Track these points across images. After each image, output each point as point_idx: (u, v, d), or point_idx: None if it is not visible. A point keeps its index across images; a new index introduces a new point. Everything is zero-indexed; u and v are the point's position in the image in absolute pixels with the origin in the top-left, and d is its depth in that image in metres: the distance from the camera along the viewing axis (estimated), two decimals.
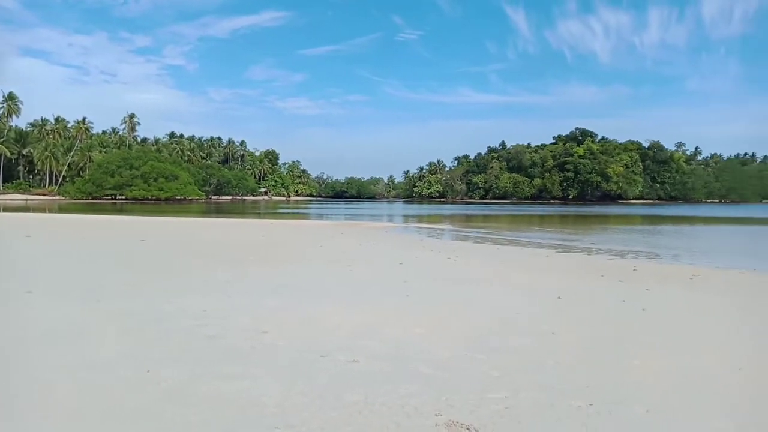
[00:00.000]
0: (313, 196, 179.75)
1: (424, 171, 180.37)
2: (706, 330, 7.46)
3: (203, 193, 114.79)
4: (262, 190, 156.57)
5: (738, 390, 4.96)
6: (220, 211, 67.21)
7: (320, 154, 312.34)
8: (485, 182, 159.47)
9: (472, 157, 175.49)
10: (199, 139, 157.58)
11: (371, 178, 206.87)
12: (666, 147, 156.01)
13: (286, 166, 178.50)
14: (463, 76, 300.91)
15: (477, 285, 11.03)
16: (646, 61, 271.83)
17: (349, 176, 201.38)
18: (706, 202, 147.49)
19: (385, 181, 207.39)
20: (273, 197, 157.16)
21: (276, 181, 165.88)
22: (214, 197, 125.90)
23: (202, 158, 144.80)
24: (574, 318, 7.95)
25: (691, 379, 5.23)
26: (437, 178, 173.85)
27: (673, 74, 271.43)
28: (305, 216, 57.89)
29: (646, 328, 7.43)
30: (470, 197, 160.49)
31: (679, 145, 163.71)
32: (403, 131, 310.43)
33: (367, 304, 8.59)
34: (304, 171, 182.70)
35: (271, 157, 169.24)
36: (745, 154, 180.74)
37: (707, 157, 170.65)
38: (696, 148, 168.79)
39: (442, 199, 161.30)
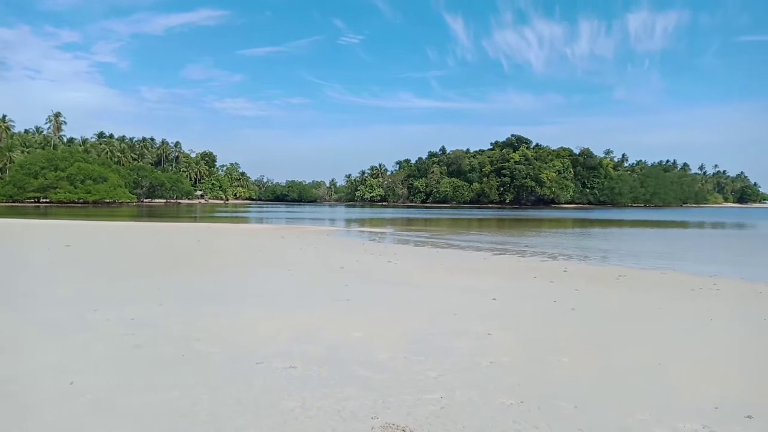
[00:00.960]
0: (253, 200, 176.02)
1: (366, 175, 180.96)
2: (629, 328, 7.88)
3: (134, 196, 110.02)
4: (199, 193, 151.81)
5: (657, 383, 5.27)
6: (152, 214, 64.54)
7: (260, 156, 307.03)
8: (426, 186, 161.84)
9: (413, 161, 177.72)
10: (131, 139, 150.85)
11: (313, 181, 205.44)
12: (595, 154, 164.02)
13: (225, 168, 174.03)
14: (405, 81, 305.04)
15: (417, 287, 11.17)
16: (577, 71, 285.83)
17: (291, 179, 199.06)
18: (632, 206, 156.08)
19: (327, 184, 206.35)
20: (210, 200, 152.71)
21: (213, 184, 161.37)
22: (147, 200, 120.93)
23: (134, 159, 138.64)
24: (508, 318, 8.21)
25: (615, 374, 5.52)
26: (379, 182, 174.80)
27: (601, 84, 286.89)
28: (244, 220, 56.62)
29: (575, 326, 7.78)
30: (411, 201, 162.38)
31: (608, 152, 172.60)
32: (345, 135, 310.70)
33: (307, 308, 8.51)
34: (243, 174, 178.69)
35: (208, 159, 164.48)
36: (667, 161, 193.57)
37: (633, 163, 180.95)
38: (623, 155, 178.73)
39: (384, 203, 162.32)
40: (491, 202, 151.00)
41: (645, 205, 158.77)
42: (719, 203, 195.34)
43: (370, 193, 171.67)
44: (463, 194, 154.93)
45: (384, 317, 8.03)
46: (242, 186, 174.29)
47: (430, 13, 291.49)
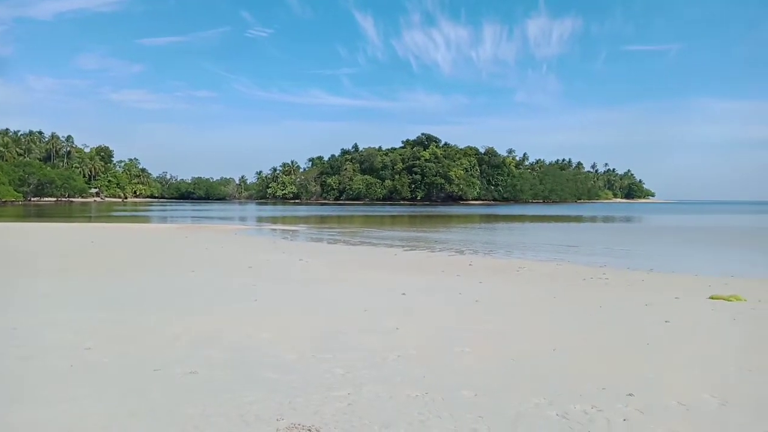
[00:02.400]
0: (155, 198, 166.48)
1: (278, 172, 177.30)
2: (527, 317, 8.35)
3: (20, 194, 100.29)
4: (94, 190, 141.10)
5: (551, 369, 5.62)
6: (41, 214, 59.12)
7: (163, 152, 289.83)
8: (339, 184, 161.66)
9: (326, 158, 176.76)
10: (15, 132, 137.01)
11: (221, 178, 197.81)
12: (499, 153, 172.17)
13: (123, 164, 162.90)
14: (316, 78, 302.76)
15: (328, 285, 11.12)
16: (482, 73, 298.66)
17: (197, 176, 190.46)
18: (532, 202, 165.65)
19: (237, 181, 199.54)
20: (107, 199, 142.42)
21: (110, 181, 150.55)
22: (35, 199, 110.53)
23: (19, 155, 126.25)
24: (416, 312, 8.39)
25: (514, 361, 5.81)
26: (291, 179, 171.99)
27: (504, 87, 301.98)
28: (144, 219, 53.41)
29: (477, 317, 8.11)
30: (325, 198, 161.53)
31: (510, 151, 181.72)
32: (255, 130, 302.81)
33: (211, 311, 8.18)
34: (143, 170, 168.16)
35: (104, 154, 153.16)
36: (563, 160, 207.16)
37: (533, 162, 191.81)
38: (524, 154, 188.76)
39: (297, 201, 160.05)
40: (403, 198, 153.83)
41: (544, 201, 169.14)
42: (609, 199, 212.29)
43: (283, 190, 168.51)
44: (375, 191, 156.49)
45: (293, 317, 7.91)
46: (143, 183, 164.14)
47: (339, 10, 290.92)
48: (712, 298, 10.00)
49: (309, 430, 3.95)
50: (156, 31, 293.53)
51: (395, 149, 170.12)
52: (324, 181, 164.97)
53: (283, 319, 7.74)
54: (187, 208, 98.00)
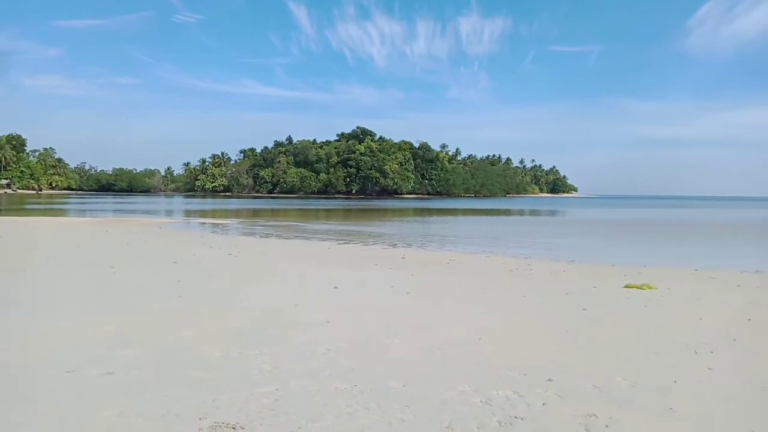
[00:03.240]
0: (73, 190, 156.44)
1: (208, 163, 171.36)
2: (456, 307, 8.55)
3: None
4: (5, 182, 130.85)
5: (477, 357, 5.78)
6: None
7: (82, 141, 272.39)
8: (272, 176, 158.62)
9: (258, 150, 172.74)
10: None
11: (146, 169, 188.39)
12: (433, 147, 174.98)
13: (37, 154, 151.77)
14: (248, 67, 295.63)
15: (258, 280, 10.88)
16: (416, 69, 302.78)
17: (119, 167, 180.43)
18: (464, 196, 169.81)
19: (163, 173, 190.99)
20: (19, 191, 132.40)
21: (23, 172, 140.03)
22: None
23: None
24: (347, 305, 8.38)
25: (442, 351, 5.93)
26: (222, 171, 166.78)
27: (437, 83, 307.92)
28: (61, 212, 50.01)
29: (408, 309, 8.21)
30: (257, 191, 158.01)
31: (443, 146, 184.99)
32: (182, 120, 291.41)
33: (132, 308, 7.80)
34: (60, 160, 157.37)
35: (16, 142, 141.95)
36: (494, 155, 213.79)
37: (465, 157, 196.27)
38: (457, 149, 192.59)
39: (228, 194, 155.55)
40: (338, 192, 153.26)
41: (475, 195, 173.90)
42: (536, 193, 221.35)
43: (212, 182, 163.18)
44: (310, 184, 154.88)
45: (219, 313, 7.68)
46: (59, 174, 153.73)
47: None
48: (626, 286, 10.66)
49: (233, 428, 3.85)
50: (74, 12, 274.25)
51: (330, 142, 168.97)
52: (257, 174, 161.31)
53: (208, 315, 7.50)
54: (108, 200, 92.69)
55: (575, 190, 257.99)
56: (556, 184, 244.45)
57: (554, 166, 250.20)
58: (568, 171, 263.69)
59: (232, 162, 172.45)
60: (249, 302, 8.52)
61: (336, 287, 9.98)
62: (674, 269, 14.00)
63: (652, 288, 10.43)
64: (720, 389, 4.84)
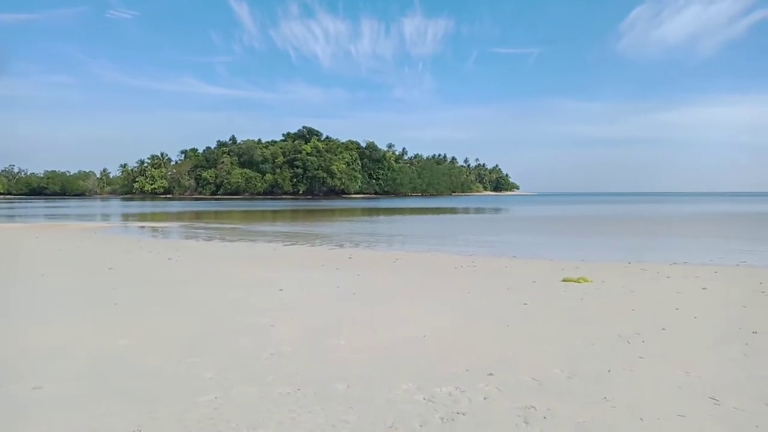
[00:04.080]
0: (0, 194, 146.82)
1: (147, 165, 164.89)
2: (402, 305, 8.60)
3: None
4: None
5: (420, 355, 5.84)
6: None
7: (8, 143, 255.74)
8: (216, 177, 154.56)
9: (200, 150, 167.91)
10: None
11: (80, 172, 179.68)
12: (380, 147, 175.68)
13: None
14: (188, 65, 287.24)
15: (199, 284, 10.56)
16: (361, 68, 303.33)
17: (51, 170, 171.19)
18: (411, 195, 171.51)
19: (98, 175, 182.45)
20: None
21: None
22: None
23: None
24: (292, 308, 8.27)
25: (386, 350, 5.95)
26: (162, 172, 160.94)
27: (383, 83, 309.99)
28: None
29: (354, 309, 8.19)
30: (200, 193, 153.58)
31: (390, 145, 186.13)
32: (119, 120, 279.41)
33: (63, 318, 7.38)
34: None
35: None
36: (439, 155, 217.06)
37: (412, 157, 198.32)
38: (403, 148, 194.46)
39: (169, 196, 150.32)
40: (285, 193, 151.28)
41: (422, 194, 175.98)
42: (480, 192, 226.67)
43: (152, 184, 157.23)
44: (256, 185, 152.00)
45: (158, 320, 7.40)
46: None
47: None
48: (564, 280, 11.07)
49: None
50: (2, 5, 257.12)
51: (276, 142, 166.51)
52: (199, 175, 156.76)
53: (146, 323, 7.21)
54: (39, 205, 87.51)
55: (517, 188, 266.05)
56: (499, 183, 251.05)
57: (497, 165, 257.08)
58: (510, 170, 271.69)
59: (173, 163, 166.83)
60: (189, 308, 8.26)
61: (281, 290, 9.84)
62: (608, 263, 14.66)
63: (587, 281, 10.88)
64: (650, 376, 5.09)
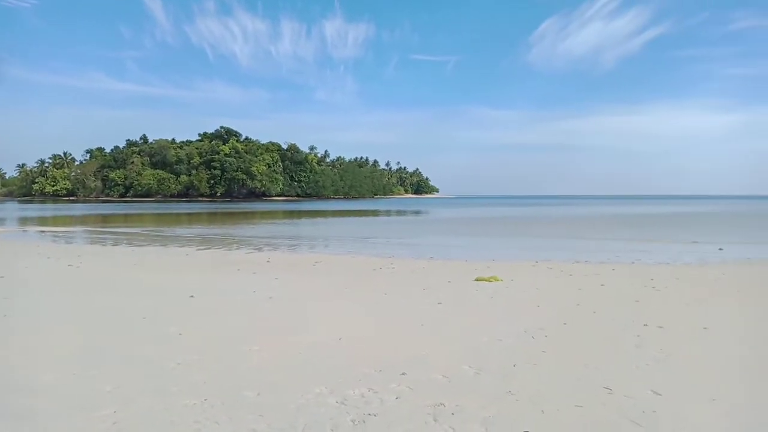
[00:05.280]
0: None
1: (47, 165, 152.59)
2: (317, 309, 8.53)
3: None
4: None
5: (335, 357, 5.82)
6: None
7: None
8: (125, 179, 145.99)
9: (108, 150, 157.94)
10: None
11: None
12: (301, 149, 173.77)
13: None
14: (95, 60, 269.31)
15: (103, 292, 9.91)
16: (282, 69, 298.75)
17: None
18: (333, 197, 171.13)
19: None
20: None
21: None
22: None
23: None
24: (203, 315, 7.96)
25: (300, 354, 5.87)
26: (65, 173, 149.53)
27: (304, 84, 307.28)
28: None
29: (269, 314, 8.03)
30: (108, 195, 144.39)
31: (312, 148, 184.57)
32: (16, 116, 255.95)
33: None
34: None
35: None
36: (362, 157, 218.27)
37: (334, 159, 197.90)
38: (325, 151, 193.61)
39: (72, 198, 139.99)
40: (201, 195, 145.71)
41: (344, 197, 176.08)
42: (401, 194, 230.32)
43: (53, 186, 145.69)
44: (169, 187, 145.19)
45: (53, 332, 6.85)
46: None
47: None
48: (476, 279, 11.48)
49: None
50: None
51: (191, 142, 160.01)
52: (106, 176, 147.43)
53: (40, 335, 6.66)
54: None
55: (437, 191, 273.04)
56: (419, 186, 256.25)
57: (417, 169, 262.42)
58: (430, 173, 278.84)
59: (77, 163, 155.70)
60: (89, 318, 7.72)
61: (192, 296, 9.45)
62: (518, 262, 15.38)
63: (498, 280, 11.36)
64: (552, 370, 5.39)
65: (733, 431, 3.95)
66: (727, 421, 4.12)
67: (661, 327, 7.18)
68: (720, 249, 19.28)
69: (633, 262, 15.47)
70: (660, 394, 4.67)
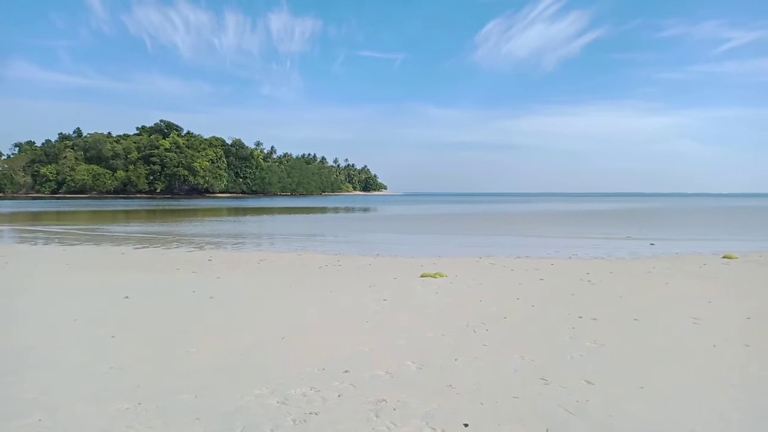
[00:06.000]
0: None
1: None
2: (262, 308, 8.36)
3: None
4: None
5: (277, 357, 5.72)
6: None
7: None
8: (58, 174, 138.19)
9: (38, 144, 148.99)
10: None
11: None
12: (247, 145, 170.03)
13: None
14: (23, 48, 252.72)
15: (27, 294, 9.33)
16: (226, 62, 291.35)
17: None
18: (280, 194, 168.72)
19: None
20: None
21: None
22: None
23: None
24: (138, 316, 7.65)
25: (241, 355, 5.74)
26: None
27: (250, 78, 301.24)
28: None
29: (209, 314, 7.80)
30: (38, 191, 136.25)
31: (258, 143, 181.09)
32: None
33: None
34: None
35: None
36: (309, 154, 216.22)
37: (281, 155, 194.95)
38: (272, 147, 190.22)
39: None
40: (140, 191, 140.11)
41: (292, 194, 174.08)
42: (350, 191, 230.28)
43: None
44: (105, 183, 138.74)
45: None
46: None
47: None
48: (422, 276, 11.61)
49: None
50: None
51: (129, 136, 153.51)
52: (37, 171, 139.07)
53: None
54: None
55: (385, 188, 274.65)
56: (368, 183, 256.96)
57: (366, 166, 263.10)
58: (378, 170, 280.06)
59: (4, 157, 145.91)
60: (13, 321, 7.25)
61: (127, 297, 9.05)
62: (463, 258, 15.67)
63: (443, 276, 11.53)
64: (491, 362, 5.52)
65: (658, 417, 4.17)
66: (653, 408, 4.35)
67: (595, 319, 7.49)
68: (651, 244, 20.37)
69: (570, 257, 16.07)
70: (593, 383, 4.87)
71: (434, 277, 11.40)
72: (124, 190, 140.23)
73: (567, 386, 4.81)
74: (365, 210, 67.22)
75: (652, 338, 6.51)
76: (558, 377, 5.04)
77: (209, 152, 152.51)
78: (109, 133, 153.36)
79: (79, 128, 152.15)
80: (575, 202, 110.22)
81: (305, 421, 4.05)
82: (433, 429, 3.91)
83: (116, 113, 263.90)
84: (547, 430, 3.91)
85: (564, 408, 4.31)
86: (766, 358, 5.62)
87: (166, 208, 66.76)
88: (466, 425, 3.98)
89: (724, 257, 15.33)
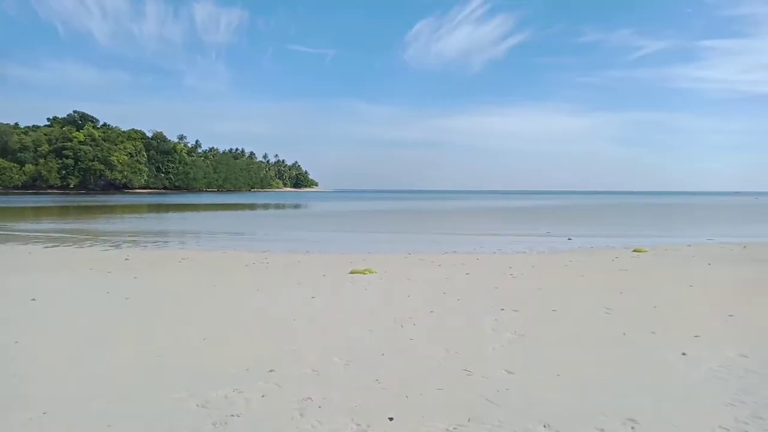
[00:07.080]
0: None
1: None
2: (182, 308, 8.04)
3: None
4: None
5: (197, 358, 5.51)
6: None
7: None
8: None
9: None
10: None
11: None
12: (169, 138, 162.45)
13: None
14: None
15: None
16: (146, 51, 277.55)
17: None
18: (206, 190, 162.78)
19: None
20: None
21: None
22: None
23: None
24: (46, 320, 7.13)
25: (160, 358, 5.48)
26: None
27: (172, 69, 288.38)
28: None
29: (125, 317, 7.40)
30: None
31: (181, 137, 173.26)
32: None
33: None
34: None
35: None
36: (237, 149, 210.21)
37: (206, 150, 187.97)
38: (197, 141, 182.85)
39: None
40: (51, 187, 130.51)
41: (218, 190, 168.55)
42: (280, 188, 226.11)
43: None
44: (12, 178, 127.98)
45: None
46: None
47: None
48: (351, 272, 11.60)
49: None
50: None
51: (39, 128, 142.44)
52: None
53: None
54: None
55: (316, 184, 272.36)
56: (298, 179, 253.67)
57: (296, 162, 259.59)
58: (309, 167, 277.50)
59: None
60: None
61: (33, 299, 8.40)
62: (392, 254, 15.83)
63: (372, 272, 11.58)
64: (417, 356, 5.60)
65: (573, 402, 4.39)
66: (569, 394, 4.58)
67: (516, 311, 7.80)
68: (569, 239, 21.50)
69: (495, 252, 16.65)
70: (513, 373, 5.06)
71: (363, 274, 11.43)
72: (33, 185, 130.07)
73: (488, 376, 4.96)
74: (296, 207, 66.39)
75: (568, 328, 6.85)
76: (480, 368, 5.19)
77: (128, 145, 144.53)
78: (16, 123, 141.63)
79: None
80: (503, 199, 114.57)
81: (226, 423, 3.92)
82: (358, 425, 3.91)
83: (24, 103, 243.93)
84: (469, 419, 4.02)
85: (485, 397, 4.45)
86: (670, 344, 6.07)
87: (81, 204, 62.70)
88: (391, 419, 4.02)
89: (634, 251, 16.45)
